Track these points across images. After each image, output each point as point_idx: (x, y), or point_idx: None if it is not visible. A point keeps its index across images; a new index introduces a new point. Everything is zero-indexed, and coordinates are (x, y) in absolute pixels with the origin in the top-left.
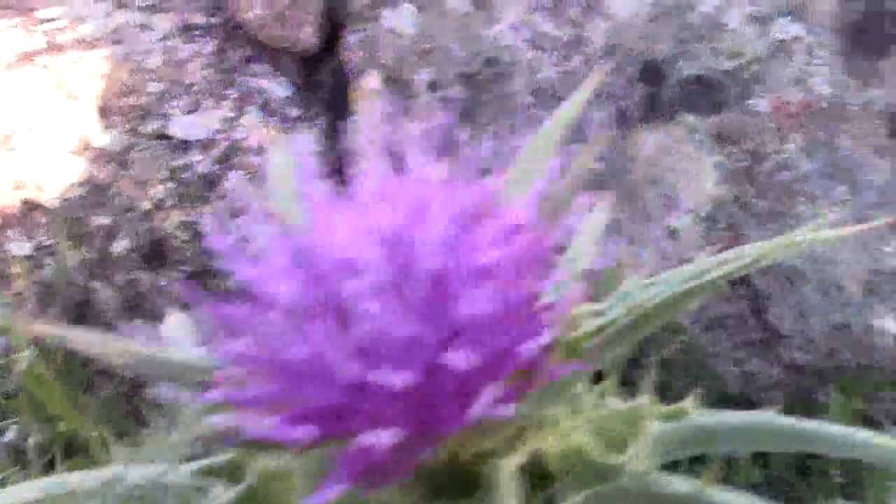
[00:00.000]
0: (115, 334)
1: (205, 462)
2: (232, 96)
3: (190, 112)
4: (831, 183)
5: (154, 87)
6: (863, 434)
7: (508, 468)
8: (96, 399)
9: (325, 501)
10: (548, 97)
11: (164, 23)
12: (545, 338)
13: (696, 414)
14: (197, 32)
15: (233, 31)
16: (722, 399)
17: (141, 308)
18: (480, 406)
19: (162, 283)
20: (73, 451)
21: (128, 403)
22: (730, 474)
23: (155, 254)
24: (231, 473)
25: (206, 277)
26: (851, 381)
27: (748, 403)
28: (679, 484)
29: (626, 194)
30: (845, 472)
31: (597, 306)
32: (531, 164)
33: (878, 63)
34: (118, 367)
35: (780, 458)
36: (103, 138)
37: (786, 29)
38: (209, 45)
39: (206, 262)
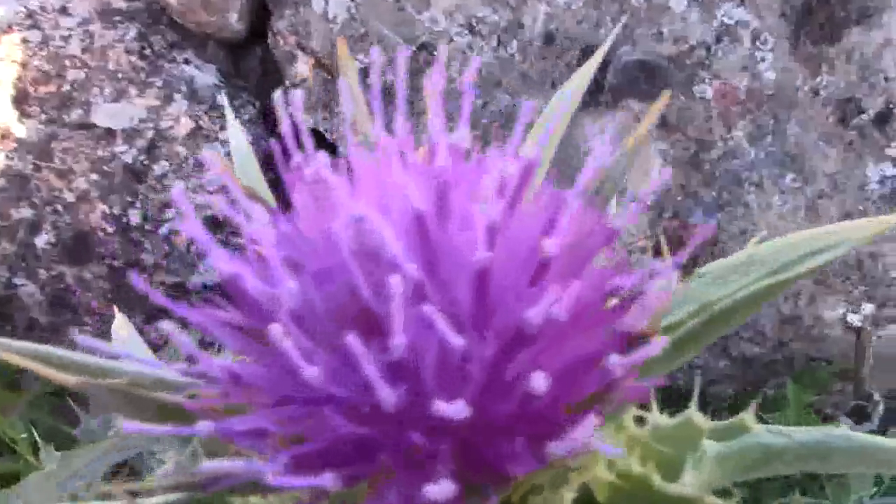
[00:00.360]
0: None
1: (171, 497)
2: (157, 84)
3: (113, 100)
4: (780, 171)
5: (74, 74)
6: None
7: None
8: (20, 399)
9: None
10: (486, 83)
11: (82, 7)
12: (637, 353)
13: (756, 432)
14: (118, 17)
15: (156, 17)
16: (667, 393)
17: (67, 304)
18: (566, 441)
19: (87, 278)
20: (1, 453)
21: (56, 402)
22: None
23: (80, 248)
24: None
25: (133, 270)
26: (802, 373)
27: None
28: None
29: (569, 183)
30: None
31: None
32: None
33: (827, 49)
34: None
35: None
36: (22, 128)
37: (731, 13)
38: (131, 31)
39: (135, 255)
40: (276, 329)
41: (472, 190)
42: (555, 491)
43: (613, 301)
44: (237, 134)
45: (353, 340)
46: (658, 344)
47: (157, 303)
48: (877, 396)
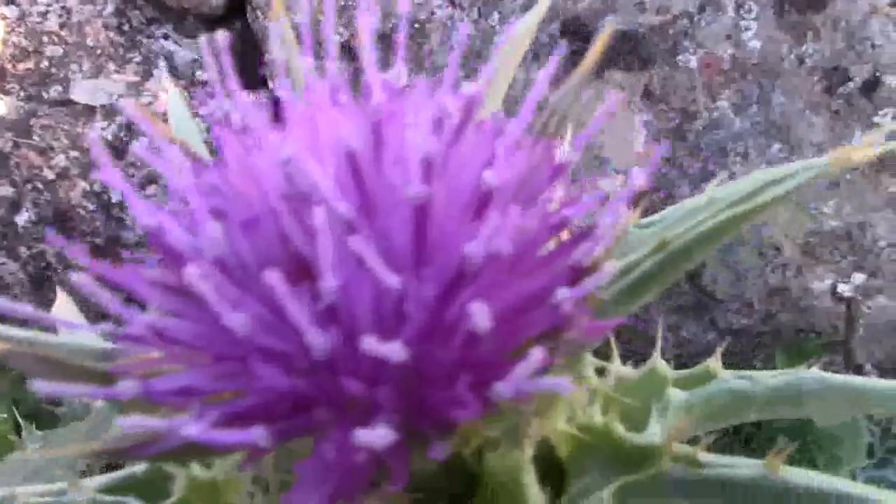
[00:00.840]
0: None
1: (115, 475)
2: (136, 60)
3: (92, 76)
4: (766, 141)
5: (52, 50)
6: None
7: (524, 466)
8: (3, 379)
9: None
10: (467, 55)
11: None
12: (591, 282)
13: (723, 378)
14: None
15: None
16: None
17: (49, 281)
18: (515, 380)
19: (69, 256)
20: None
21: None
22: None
23: (61, 225)
24: (148, 486)
25: (115, 247)
26: (790, 345)
27: (683, 369)
28: (737, 468)
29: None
30: (791, 441)
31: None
32: (502, 78)
33: (812, 17)
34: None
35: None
36: (1, 105)
37: None
38: (109, 6)
39: (115, 232)
40: (191, 271)
41: (414, 121)
42: (512, 446)
43: (563, 235)
44: (175, 97)
45: (274, 279)
46: (607, 271)
47: (79, 264)
48: (867, 367)
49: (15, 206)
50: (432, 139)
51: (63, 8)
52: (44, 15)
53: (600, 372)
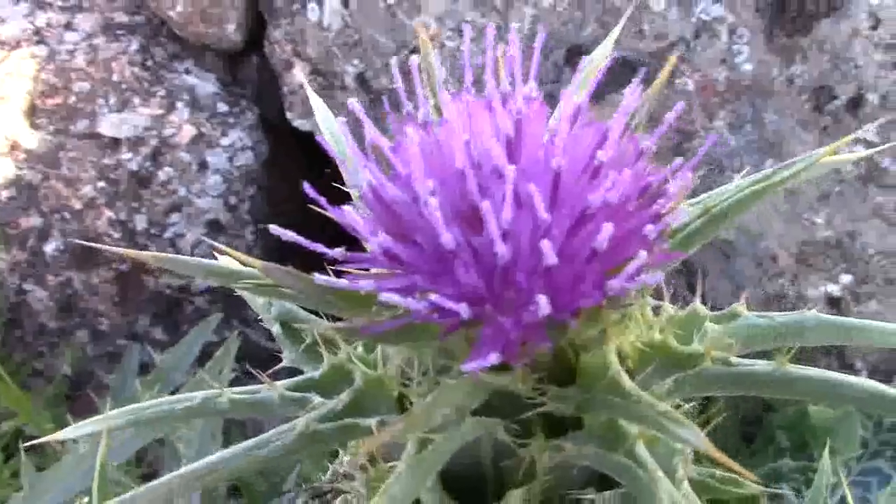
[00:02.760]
0: None
1: (297, 379)
2: (159, 93)
3: (118, 110)
4: (760, 157)
5: (80, 86)
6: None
7: (611, 356)
8: (38, 398)
9: (480, 368)
10: (478, 84)
11: (86, 22)
12: (664, 222)
13: (747, 315)
14: (120, 31)
15: (156, 29)
16: None
17: (75, 308)
18: (624, 276)
19: (94, 282)
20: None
21: (68, 401)
22: None
23: (87, 253)
24: (321, 388)
25: (140, 273)
26: (788, 349)
27: None
28: (757, 365)
29: None
30: (791, 438)
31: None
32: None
33: (800, 40)
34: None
35: (724, 428)
36: (31, 139)
37: (708, 10)
38: (133, 44)
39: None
40: (433, 204)
41: (539, 123)
42: (601, 347)
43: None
44: (320, 106)
45: (486, 206)
46: (680, 213)
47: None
48: (858, 365)
49: (43, 235)
50: (564, 127)
51: (90, 46)
52: (72, 53)
53: (656, 311)
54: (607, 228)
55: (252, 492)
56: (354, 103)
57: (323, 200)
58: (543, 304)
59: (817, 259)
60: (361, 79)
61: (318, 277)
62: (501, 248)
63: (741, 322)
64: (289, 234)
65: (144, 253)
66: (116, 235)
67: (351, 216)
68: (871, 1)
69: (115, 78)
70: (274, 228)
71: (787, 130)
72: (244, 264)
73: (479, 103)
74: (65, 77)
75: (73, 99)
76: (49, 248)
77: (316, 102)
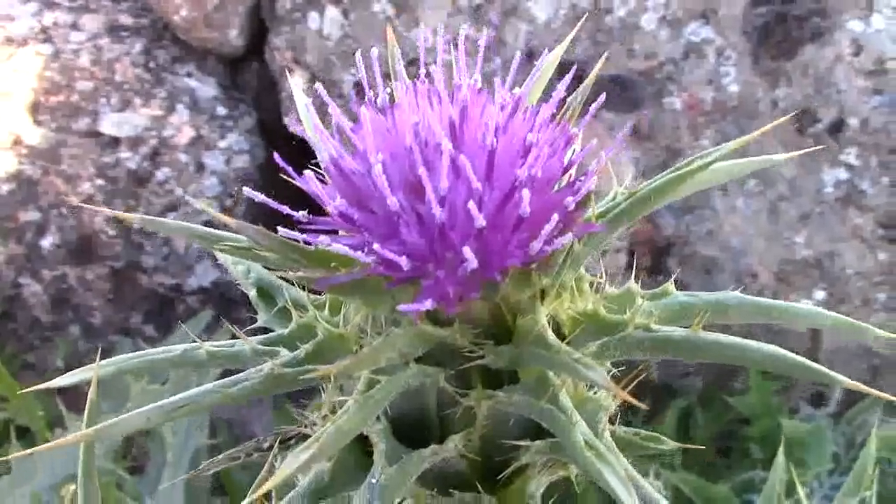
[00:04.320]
0: None
1: (269, 335)
2: (160, 95)
3: (119, 110)
4: (744, 176)
5: (84, 85)
6: (805, 306)
7: (541, 316)
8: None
9: (417, 310)
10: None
11: (92, 23)
12: (581, 193)
13: (676, 294)
14: (125, 33)
15: (160, 32)
16: (643, 386)
17: (69, 303)
18: (543, 238)
19: (88, 278)
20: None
21: (58, 394)
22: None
23: (83, 249)
24: (290, 344)
25: (135, 271)
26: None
27: (668, 389)
28: (674, 331)
29: None
30: (764, 450)
31: None
32: (536, 89)
33: (784, 64)
34: None
35: (701, 440)
36: (34, 135)
37: (697, 32)
38: (137, 45)
39: (135, 257)
40: (378, 171)
41: (483, 112)
42: (535, 310)
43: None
44: (299, 91)
45: (423, 173)
46: (590, 184)
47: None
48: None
49: (41, 230)
50: (500, 115)
51: (95, 46)
52: (76, 52)
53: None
54: (526, 194)
55: (235, 489)
56: (320, 87)
57: (290, 169)
58: (471, 258)
59: (797, 277)
60: (359, 87)
61: (283, 231)
62: (437, 210)
63: (671, 300)
64: (259, 196)
65: (131, 215)
66: (112, 232)
67: (313, 183)
68: (854, 28)
69: (117, 78)
70: (247, 191)
71: (770, 151)
72: (222, 224)
73: (430, 90)
74: (69, 75)
75: (75, 97)
76: (46, 242)
77: (298, 95)
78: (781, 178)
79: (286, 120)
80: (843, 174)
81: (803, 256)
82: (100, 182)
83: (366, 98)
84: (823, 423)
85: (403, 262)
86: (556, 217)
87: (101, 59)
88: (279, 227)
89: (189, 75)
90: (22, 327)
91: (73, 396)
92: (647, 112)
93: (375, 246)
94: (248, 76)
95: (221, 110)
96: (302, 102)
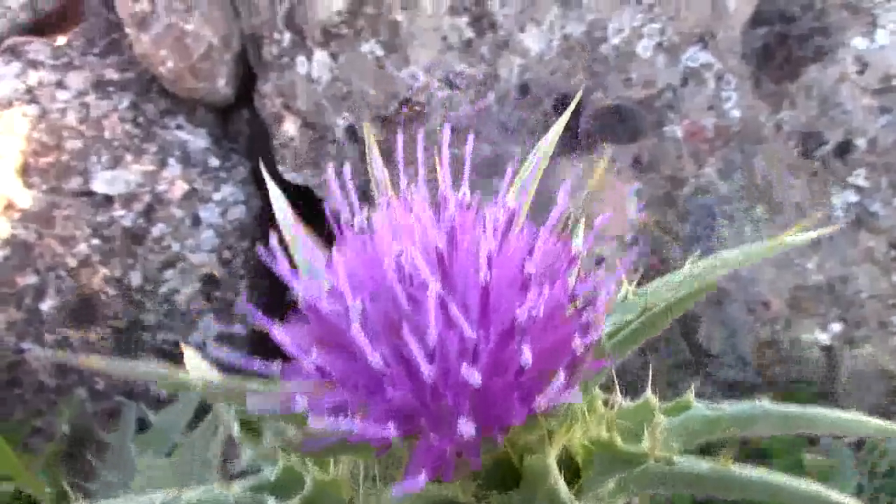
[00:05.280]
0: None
1: (254, 480)
2: (151, 150)
3: (110, 167)
4: (750, 203)
5: (73, 144)
6: (846, 414)
7: (551, 462)
8: (36, 459)
9: (412, 491)
10: (466, 134)
11: (77, 80)
12: (594, 334)
13: (698, 406)
14: (111, 88)
15: (147, 85)
16: None
17: (73, 365)
18: (548, 395)
19: (91, 339)
20: None
21: (67, 462)
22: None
23: (83, 310)
24: (279, 489)
25: (136, 330)
26: (784, 395)
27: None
28: (699, 464)
29: (548, 212)
30: None
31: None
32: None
33: (787, 86)
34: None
35: None
36: (25, 198)
37: (695, 57)
38: (125, 100)
39: (136, 315)
40: (356, 328)
41: (474, 230)
42: (543, 450)
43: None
44: (279, 199)
45: (407, 333)
46: (602, 327)
47: (258, 323)
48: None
49: (39, 293)
50: (492, 241)
51: (81, 104)
52: (63, 111)
53: (607, 404)
54: (527, 352)
55: None
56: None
57: (262, 318)
58: (466, 427)
59: (810, 304)
60: (351, 130)
61: (252, 398)
62: (426, 369)
63: (692, 413)
64: (235, 355)
65: (95, 361)
66: (112, 292)
67: (280, 335)
68: (858, 45)
69: (106, 135)
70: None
71: (776, 176)
72: (196, 372)
73: (415, 209)
74: (57, 135)
75: (65, 157)
76: (45, 305)
77: (274, 193)
78: (789, 204)
79: (280, 168)
80: (852, 197)
81: (815, 282)
82: (95, 242)
83: (342, 219)
84: (845, 454)
85: (391, 429)
86: (562, 374)
87: (89, 116)
88: (272, 327)
89: (179, 127)
90: (28, 392)
91: (80, 464)
92: (647, 142)
93: (358, 422)
94: (240, 124)
95: (214, 161)
96: (280, 203)
